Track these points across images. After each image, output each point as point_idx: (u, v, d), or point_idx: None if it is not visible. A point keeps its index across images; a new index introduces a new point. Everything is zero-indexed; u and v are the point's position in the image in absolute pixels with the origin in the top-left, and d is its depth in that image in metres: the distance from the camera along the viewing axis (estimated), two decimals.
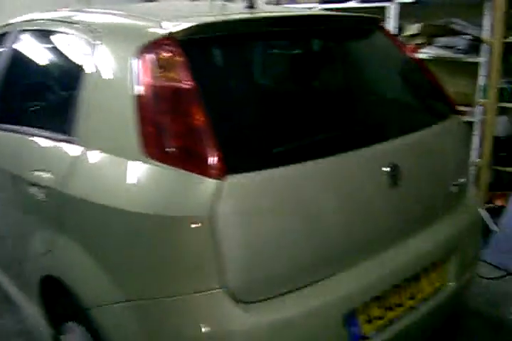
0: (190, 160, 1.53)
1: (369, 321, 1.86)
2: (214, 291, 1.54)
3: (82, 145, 1.83)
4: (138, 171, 1.57)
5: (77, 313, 1.84)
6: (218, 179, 1.46)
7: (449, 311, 2.36)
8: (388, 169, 1.87)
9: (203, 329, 1.50)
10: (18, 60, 2.50)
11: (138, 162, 1.55)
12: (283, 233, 1.56)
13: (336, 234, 1.71)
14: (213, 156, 1.49)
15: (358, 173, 1.85)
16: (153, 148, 1.59)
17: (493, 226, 3.77)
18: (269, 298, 1.62)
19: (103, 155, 1.71)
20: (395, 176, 1.89)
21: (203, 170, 1.48)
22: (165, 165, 1.50)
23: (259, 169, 1.57)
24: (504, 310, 3.10)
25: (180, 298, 1.55)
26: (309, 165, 1.69)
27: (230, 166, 1.54)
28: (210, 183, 1.45)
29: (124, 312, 1.63)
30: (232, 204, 1.53)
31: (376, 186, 1.86)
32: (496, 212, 3.87)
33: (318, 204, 1.66)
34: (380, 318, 1.90)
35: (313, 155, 1.65)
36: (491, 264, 3.58)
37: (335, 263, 1.77)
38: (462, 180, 2.29)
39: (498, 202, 4.06)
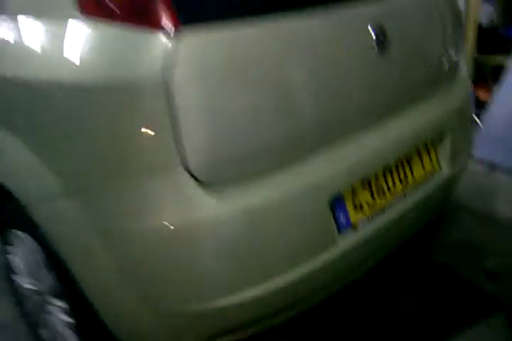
0: (136, 11, 1.24)
1: (358, 208, 1.61)
2: (173, 172, 1.26)
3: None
4: (74, 33, 1.30)
5: (22, 220, 1.59)
6: (171, 34, 1.18)
7: (441, 202, 2.15)
8: (374, 31, 1.53)
9: (163, 220, 1.27)
10: None
11: (73, 21, 1.29)
12: (247, 103, 1.31)
13: (311, 108, 1.46)
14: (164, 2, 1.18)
15: (339, 35, 1.53)
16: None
17: (476, 121, 3.54)
18: (239, 182, 1.36)
19: (31, 20, 1.41)
20: (381, 41, 1.56)
21: (153, 21, 1.21)
22: (106, 22, 1.24)
23: (219, 21, 1.26)
24: (491, 204, 2.96)
25: (134, 182, 1.27)
26: (281, 22, 1.38)
27: (185, 17, 1.23)
28: (162, 39, 1.18)
29: (68, 209, 1.34)
30: (189, 66, 1.23)
31: (359, 53, 1.56)
32: (478, 107, 3.61)
33: (290, 71, 1.39)
34: (370, 206, 1.68)
35: (282, 7, 1.35)
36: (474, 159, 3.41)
37: (311, 142, 1.51)
38: (454, 54, 1.97)
39: (481, 97, 3.80)
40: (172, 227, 1.27)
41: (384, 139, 1.70)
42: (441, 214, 2.82)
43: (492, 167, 3.37)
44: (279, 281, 1.44)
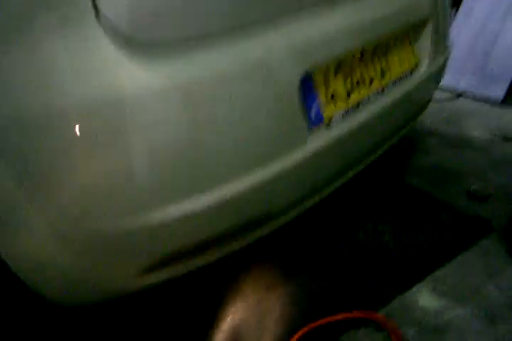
0: None
1: (330, 99, 1.23)
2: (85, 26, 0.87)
3: None
4: None
5: None
6: None
7: (417, 109, 1.81)
8: None
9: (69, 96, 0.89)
10: None
11: None
12: None
13: None
14: None
15: None
16: None
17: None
18: (179, 46, 0.99)
19: None
20: None
21: None
22: None
23: None
24: (461, 129, 2.76)
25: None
26: None
27: None
28: None
29: None
30: None
31: None
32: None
33: None
34: (344, 99, 1.36)
35: None
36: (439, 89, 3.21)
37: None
38: None
39: None
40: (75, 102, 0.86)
41: (361, 16, 1.33)
42: (411, 141, 2.58)
43: (457, 94, 3.14)
44: (231, 188, 1.09)
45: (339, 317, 1.55)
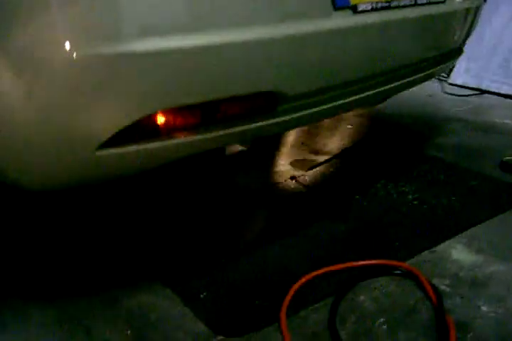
0: None
1: None
2: None
3: None
4: None
5: None
6: None
7: (447, 49, 1.61)
8: None
9: None
10: None
11: None
12: None
13: None
14: None
15: None
16: None
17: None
18: None
19: None
20: None
21: None
22: None
23: None
24: (487, 117, 2.59)
25: None
26: None
27: None
28: None
29: None
30: None
31: None
32: None
33: None
34: None
35: None
36: (461, 86, 3.16)
37: None
38: None
39: None
40: None
41: None
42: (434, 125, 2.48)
43: (481, 91, 2.97)
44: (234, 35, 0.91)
45: (360, 263, 1.30)
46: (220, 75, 0.97)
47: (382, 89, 1.42)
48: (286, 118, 1.15)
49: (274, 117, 1.13)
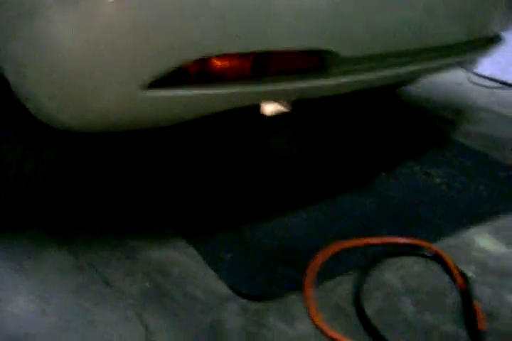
0: None
1: None
2: None
3: None
4: None
5: None
6: None
7: (481, 34, 1.54)
8: None
9: None
10: None
11: None
12: None
13: None
14: None
15: None
16: None
17: None
18: None
19: None
20: None
21: None
22: None
23: None
24: None
25: None
26: None
27: None
28: None
29: None
30: None
31: None
32: None
33: None
34: None
35: None
36: (488, 78, 3.07)
37: None
38: None
39: None
40: None
41: None
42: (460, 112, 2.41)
43: (508, 84, 2.90)
44: None
45: (389, 240, 1.26)
46: (277, 26, 0.91)
47: (426, 65, 1.37)
48: (336, 81, 1.10)
49: (324, 78, 1.08)
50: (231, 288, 1.08)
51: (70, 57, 0.84)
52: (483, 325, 1.01)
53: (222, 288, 1.08)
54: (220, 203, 1.38)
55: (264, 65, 0.99)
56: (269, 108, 1.82)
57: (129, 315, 0.99)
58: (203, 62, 0.92)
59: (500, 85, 2.96)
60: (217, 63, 0.94)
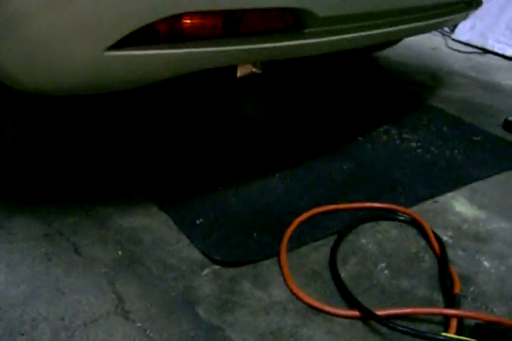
0: None
1: None
2: None
3: None
4: None
5: None
6: None
7: None
8: None
9: None
10: None
11: None
12: None
13: None
14: None
15: None
16: None
17: None
18: None
19: None
20: None
21: None
22: None
23: None
24: (490, 76, 2.52)
25: None
26: None
27: None
28: None
29: None
30: None
31: None
32: None
33: None
34: None
35: None
36: (465, 43, 3.07)
37: None
38: None
39: None
40: None
41: None
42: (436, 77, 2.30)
43: (483, 49, 2.88)
44: None
45: (364, 204, 1.24)
46: None
47: (402, 27, 1.34)
48: (311, 41, 1.06)
49: (299, 38, 1.03)
50: (204, 254, 1.05)
51: (34, 19, 0.80)
52: (458, 288, 1.01)
53: (195, 254, 1.05)
54: (192, 168, 1.34)
55: (236, 24, 0.94)
56: (244, 70, 1.76)
57: (100, 283, 0.96)
58: (173, 21, 0.86)
59: (477, 50, 2.94)
60: (188, 22, 0.89)
